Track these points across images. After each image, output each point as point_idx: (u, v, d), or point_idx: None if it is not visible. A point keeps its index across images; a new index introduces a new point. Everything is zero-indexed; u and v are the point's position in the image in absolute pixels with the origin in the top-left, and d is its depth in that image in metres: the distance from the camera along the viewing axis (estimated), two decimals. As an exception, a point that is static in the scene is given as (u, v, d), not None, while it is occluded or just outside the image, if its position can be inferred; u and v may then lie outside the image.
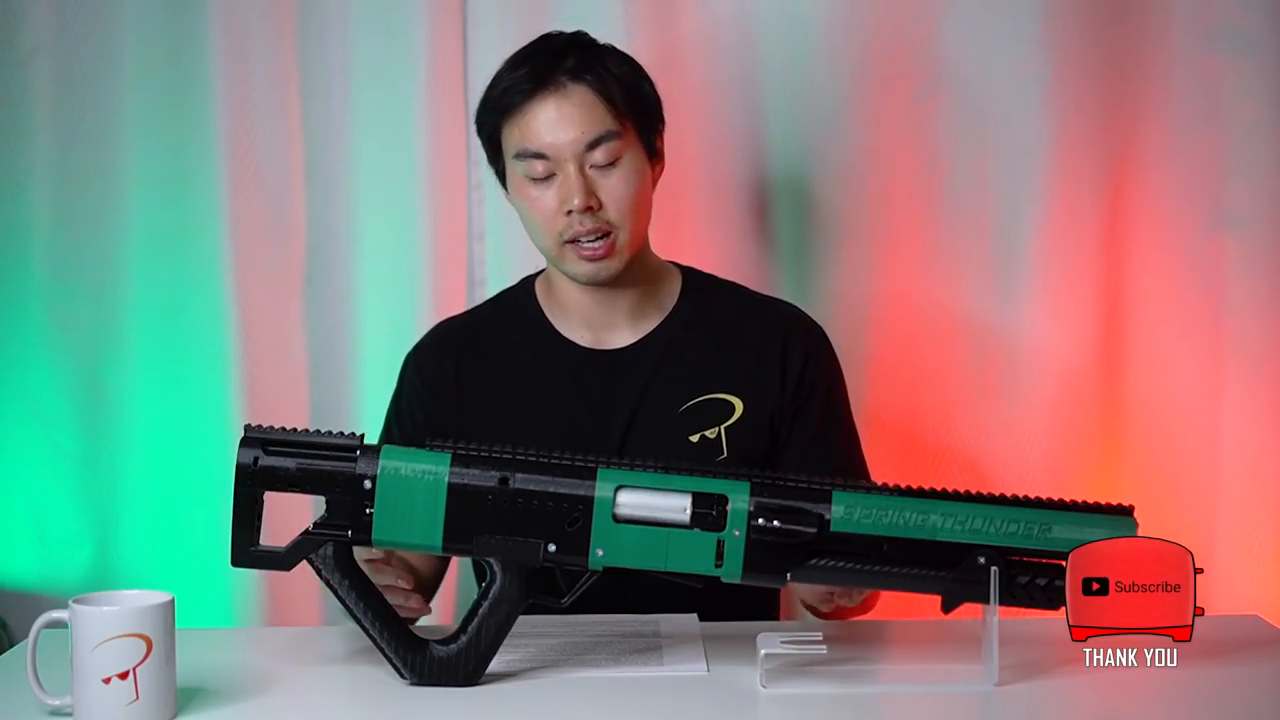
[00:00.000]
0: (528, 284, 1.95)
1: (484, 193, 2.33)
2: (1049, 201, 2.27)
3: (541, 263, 1.94)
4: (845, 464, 1.87)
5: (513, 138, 1.80)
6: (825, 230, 2.32)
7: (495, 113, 1.82)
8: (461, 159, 2.34)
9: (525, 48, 1.85)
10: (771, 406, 1.85)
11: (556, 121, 1.77)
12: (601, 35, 1.90)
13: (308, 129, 2.34)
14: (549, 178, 1.78)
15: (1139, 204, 2.29)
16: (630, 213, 1.79)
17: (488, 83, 1.85)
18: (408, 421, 1.91)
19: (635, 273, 1.85)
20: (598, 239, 1.78)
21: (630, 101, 1.81)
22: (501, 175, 1.87)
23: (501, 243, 2.33)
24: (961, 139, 2.29)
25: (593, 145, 1.77)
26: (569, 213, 1.77)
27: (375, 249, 2.34)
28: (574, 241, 1.78)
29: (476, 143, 2.29)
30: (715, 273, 1.99)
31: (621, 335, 1.88)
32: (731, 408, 1.84)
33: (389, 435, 1.92)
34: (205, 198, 2.32)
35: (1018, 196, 2.28)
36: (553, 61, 1.79)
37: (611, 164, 1.78)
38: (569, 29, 1.89)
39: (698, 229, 2.31)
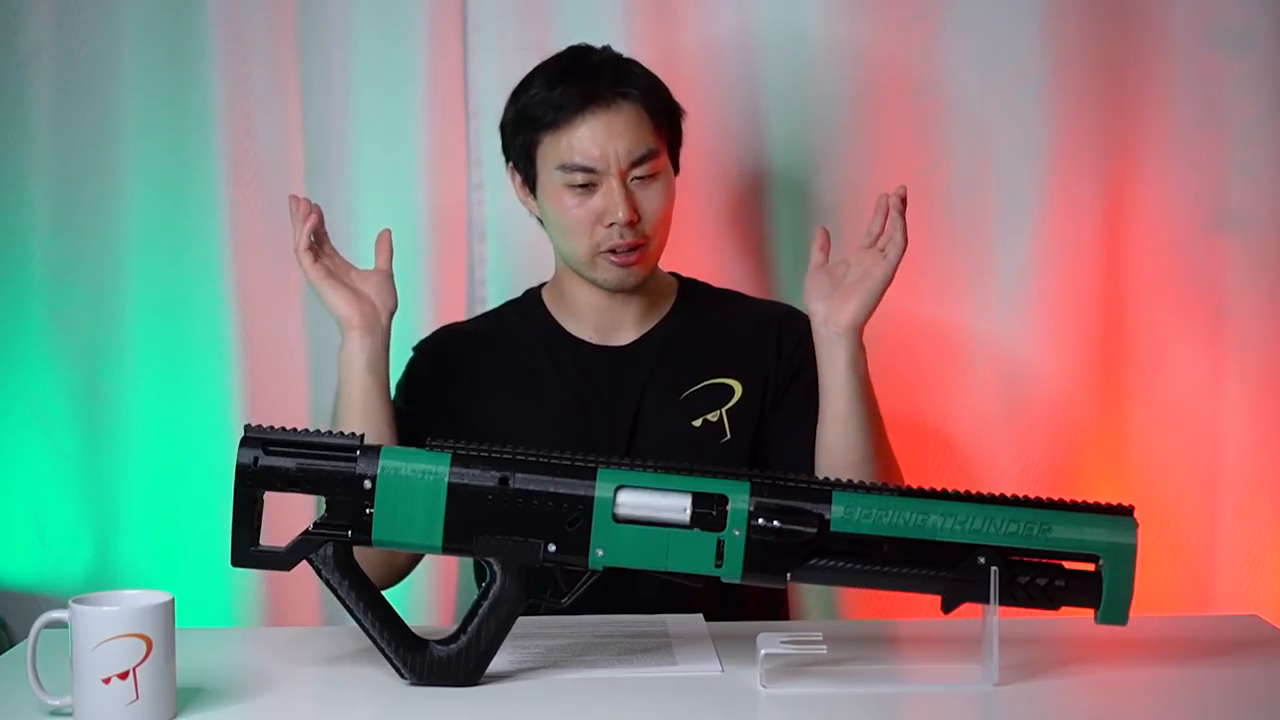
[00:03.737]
0: (533, 294, 2.01)
1: (484, 193, 2.33)
2: (1049, 201, 2.28)
3: (541, 274, 1.96)
4: None
5: (557, 149, 1.85)
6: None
7: (536, 125, 1.87)
8: (461, 159, 2.34)
9: (558, 62, 1.90)
10: (769, 381, 1.91)
11: (605, 137, 1.83)
12: (601, 40, 1.93)
13: (308, 129, 2.34)
14: (589, 189, 1.84)
15: (1139, 204, 2.29)
16: (661, 226, 1.88)
17: (517, 89, 1.90)
18: (420, 395, 1.93)
19: (646, 282, 1.92)
20: (632, 250, 1.84)
21: (666, 119, 1.89)
22: (530, 182, 1.91)
23: (501, 243, 2.33)
24: (961, 139, 2.29)
25: (637, 162, 1.84)
26: (610, 225, 1.83)
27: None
28: (610, 251, 1.85)
29: (476, 143, 2.32)
30: (715, 278, 2.04)
31: (626, 334, 1.95)
32: (731, 391, 1.90)
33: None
34: (205, 198, 2.32)
35: (1018, 196, 2.28)
36: (596, 78, 1.86)
37: (651, 180, 1.85)
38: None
39: (698, 234, 2.31)
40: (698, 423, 1.89)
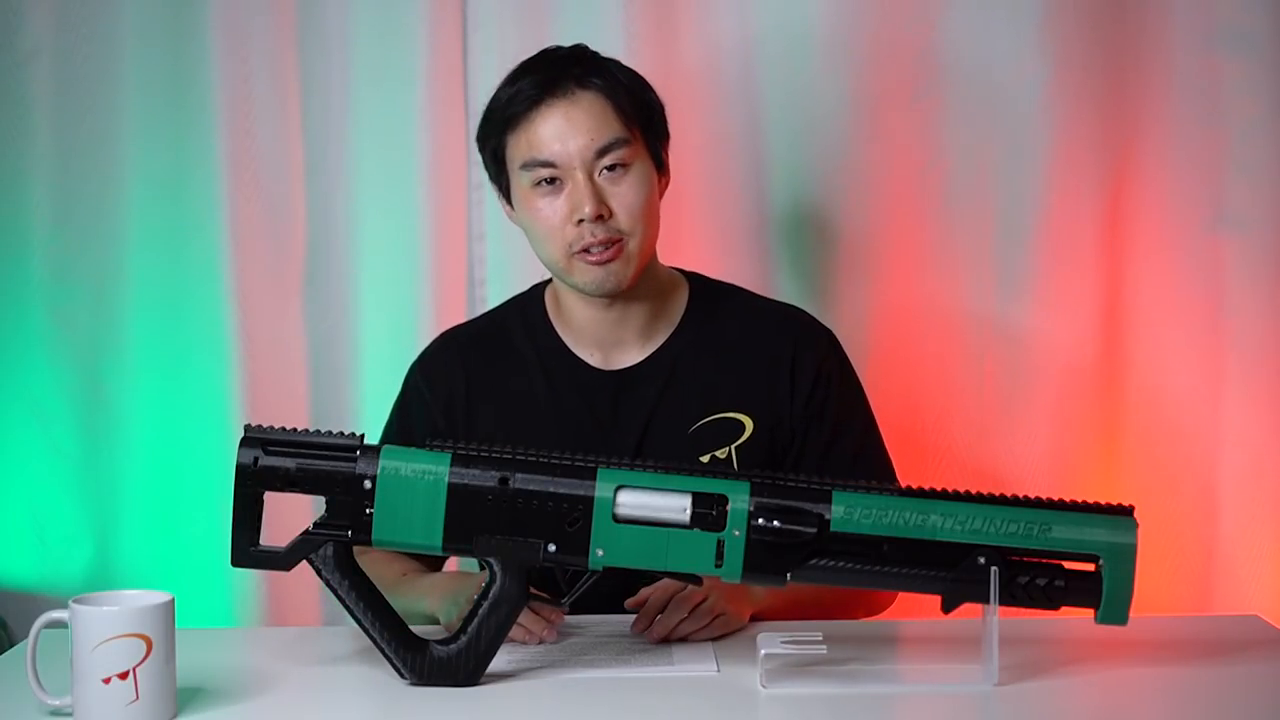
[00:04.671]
0: (538, 294, 1.91)
1: (484, 193, 2.33)
2: (1049, 201, 2.28)
3: (541, 273, 1.92)
4: (863, 457, 1.85)
5: (519, 148, 1.76)
6: (826, 231, 2.32)
7: (499, 125, 1.78)
8: (462, 159, 2.34)
9: (524, 62, 1.82)
10: (782, 417, 1.83)
11: (565, 128, 1.73)
12: (602, 44, 1.87)
13: (308, 129, 2.34)
14: (556, 187, 1.74)
15: (1139, 204, 2.29)
16: (640, 220, 1.75)
17: (489, 100, 1.82)
18: (417, 436, 1.86)
19: (645, 288, 1.82)
20: (606, 247, 1.74)
21: (638, 109, 1.78)
22: (506, 192, 1.83)
23: (501, 243, 2.33)
24: (962, 139, 2.29)
25: (602, 152, 1.74)
26: (579, 222, 1.73)
27: (375, 249, 2.34)
28: (584, 251, 1.74)
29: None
30: (716, 276, 1.97)
31: (630, 353, 1.84)
32: (742, 427, 1.82)
33: (389, 441, 1.89)
34: (205, 198, 2.32)
35: (1018, 196, 2.28)
36: (558, 70, 1.77)
37: (621, 171, 1.75)
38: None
39: (700, 234, 2.31)
40: (705, 459, 1.80)
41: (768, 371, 1.83)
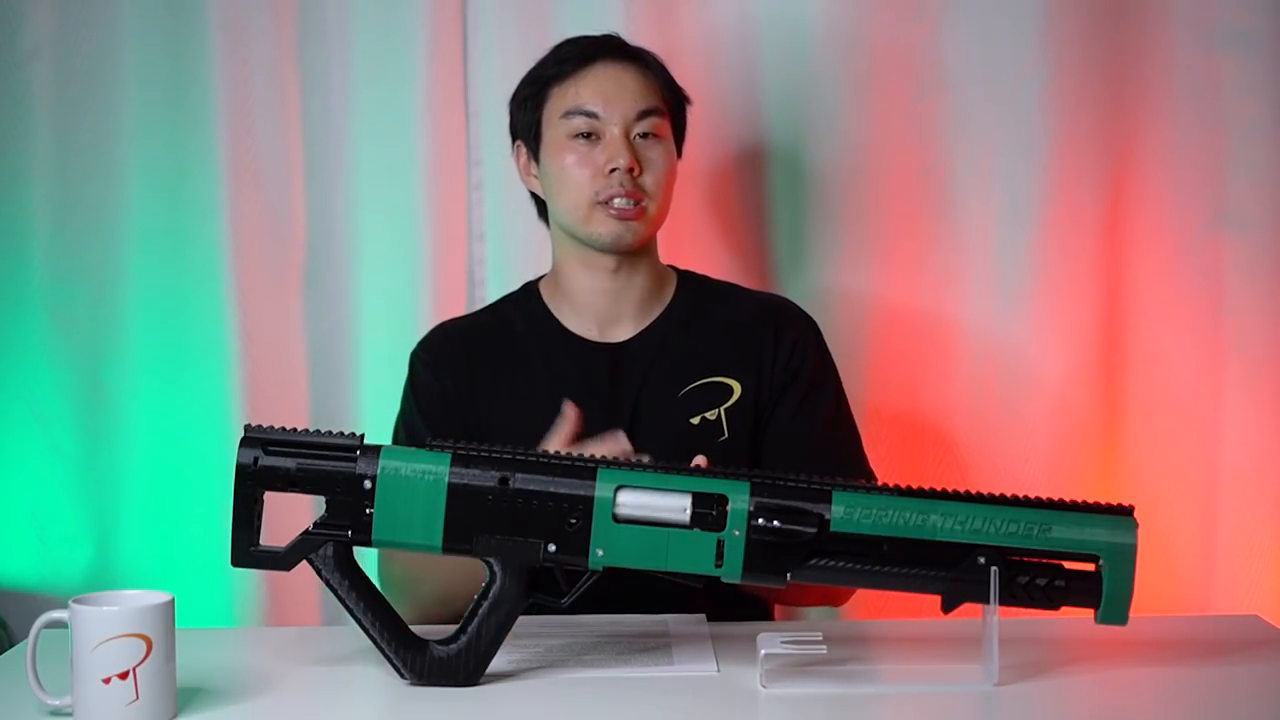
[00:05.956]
0: (531, 287, 1.98)
1: (484, 193, 2.33)
2: (1049, 201, 2.28)
3: (541, 267, 1.94)
4: (826, 443, 1.90)
5: (565, 97, 1.87)
6: (825, 230, 2.32)
7: (544, 80, 1.90)
8: (461, 159, 2.34)
9: (567, 39, 1.93)
10: (764, 382, 1.90)
11: (612, 87, 1.86)
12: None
13: (308, 129, 2.34)
14: (592, 141, 1.85)
15: (1139, 204, 2.29)
16: (662, 188, 1.87)
17: (532, 67, 1.93)
18: (427, 404, 1.90)
19: (645, 265, 1.92)
20: (630, 203, 1.84)
21: (673, 94, 1.91)
22: (534, 147, 1.91)
23: (502, 243, 2.33)
24: (961, 138, 2.29)
25: (642, 115, 1.86)
26: (611, 171, 1.83)
27: (375, 249, 2.34)
28: (606, 202, 1.84)
29: (476, 143, 2.33)
30: (712, 268, 2.02)
31: (625, 328, 1.92)
32: (730, 390, 1.89)
33: (410, 427, 1.90)
34: (205, 198, 2.32)
35: (1018, 196, 2.28)
36: (608, 41, 1.91)
37: (654, 140, 1.87)
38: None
39: (697, 229, 2.31)
40: (696, 420, 1.87)
41: (752, 343, 1.92)
